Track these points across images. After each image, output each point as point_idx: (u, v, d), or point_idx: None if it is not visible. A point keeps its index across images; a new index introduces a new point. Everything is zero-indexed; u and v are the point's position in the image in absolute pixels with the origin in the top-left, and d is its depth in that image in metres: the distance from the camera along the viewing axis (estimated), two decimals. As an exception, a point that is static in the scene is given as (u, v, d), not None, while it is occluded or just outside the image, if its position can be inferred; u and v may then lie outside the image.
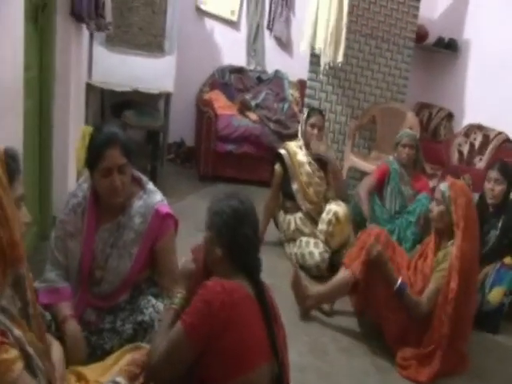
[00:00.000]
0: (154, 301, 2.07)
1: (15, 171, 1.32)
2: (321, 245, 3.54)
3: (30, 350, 1.29)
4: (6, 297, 1.28)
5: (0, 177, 1.20)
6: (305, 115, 3.77)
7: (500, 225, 3.22)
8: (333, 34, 4.41)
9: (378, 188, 3.75)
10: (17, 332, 1.26)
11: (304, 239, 3.61)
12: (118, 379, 1.60)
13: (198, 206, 4.10)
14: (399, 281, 2.59)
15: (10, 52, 2.17)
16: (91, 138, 2.08)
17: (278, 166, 3.74)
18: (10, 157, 1.31)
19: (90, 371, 1.70)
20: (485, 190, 3.28)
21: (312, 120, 3.65)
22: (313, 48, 4.61)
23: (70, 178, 3.63)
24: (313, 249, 3.53)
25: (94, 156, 1.98)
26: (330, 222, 3.53)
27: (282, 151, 3.72)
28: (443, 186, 2.61)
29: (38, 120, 3.19)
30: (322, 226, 3.58)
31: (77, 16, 3.37)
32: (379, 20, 4.83)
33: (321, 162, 3.70)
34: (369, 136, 5.00)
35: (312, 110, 3.80)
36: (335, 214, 3.52)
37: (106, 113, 4.91)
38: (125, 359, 1.72)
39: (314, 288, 3.06)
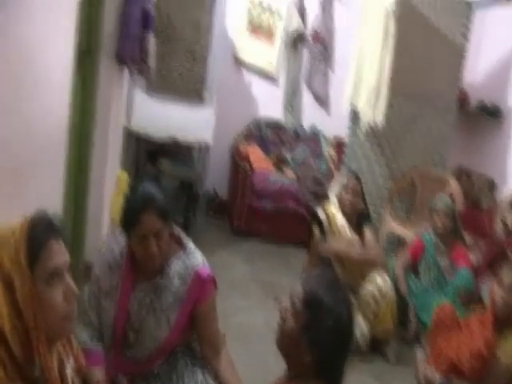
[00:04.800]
0: (200, 376, 1.91)
1: (43, 241, 1.11)
2: (359, 316, 3.30)
3: None
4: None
5: (17, 257, 1.06)
6: (341, 177, 3.69)
7: None
8: (374, 93, 4.35)
9: (414, 264, 3.69)
10: None
11: None
12: None
13: (230, 263, 3.99)
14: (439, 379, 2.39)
15: (57, 95, 2.13)
16: (126, 198, 1.96)
17: (316, 231, 3.55)
18: (38, 225, 1.13)
19: None
20: None
21: (347, 183, 3.54)
22: (354, 107, 4.53)
23: (104, 224, 3.56)
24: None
25: (128, 220, 1.86)
26: (372, 296, 3.32)
27: (321, 215, 3.56)
28: None
29: (76, 164, 3.13)
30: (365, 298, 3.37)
31: (120, 60, 3.37)
32: (421, 81, 4.75)
33: (357, 227, 3.55)
34: (408, 201, 4.83)
35: (349, 173, 3.72)
36: (378, 287, 3.32)
37: (141, 159, 4.86)
38: None
39: None
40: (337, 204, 3.60)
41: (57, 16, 1.96)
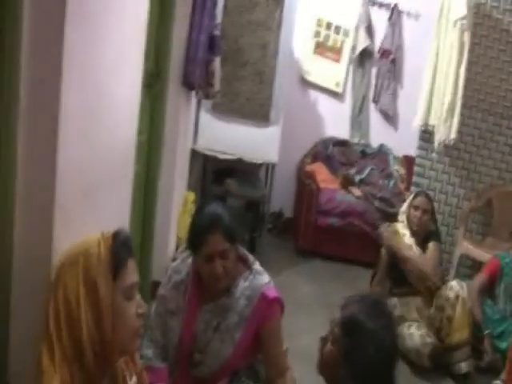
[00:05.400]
0: None
1: (124, 258, 1.20)
2: (424, 329, 3.22)
3: None
4: None
5: (104, 267, 1.13)
6: (411, 196, 3.62)
7: None
8: (448, 110, 4.20)
9: (490, 286, 3.48)
10: None
11: (407, 323, 3.29)
12: None
13: (294, 283, 3.95)
14: None
15: (126, 117, 2.19)
16: (193, 218, 1.99)
17: (383, 249, 3.51)
18: (119, 242, 1.20)
19: None
20: None
21: (416, 202, 3.50)
22: (426, 124, 4.40)
23: (171, 243, 3.62)
24: (414, 330, 3.22)
25: (195, 240, 1.88)
26: (447, 299, 3.22)
27: (385, 232, 3.54)
28: None
29: (144, 185, 3.20)
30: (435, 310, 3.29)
31: (188, 85, 3.45)
32: (499, 95, 4.54)
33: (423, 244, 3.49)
34: (483, 221, 4.61)
35: (419, 192, 3.66)
36: (456, 292, 3.21)
37: (207, 179, 4.92)
38: None
39: None
40: (405, 222, 3.54)
41: (127, 42, 2.03)
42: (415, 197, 3.56)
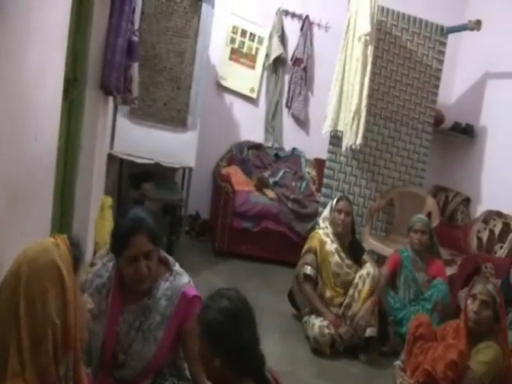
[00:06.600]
0: None
1: (79, 258, 1.35)
2: (325, 321, 3.48)
3: None
4: None
5: (67, 262, 1.26)
6: (333, 201, 3.79)
7: None
8: (354, 116, 4.47)
9: (392, 278, 3.80)
10: None
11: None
12: None
13: (213, 283, 4.02)
14: None
15: (48, 125, 2.18)
16: (116, 222, 2.06)
17: (310, 270, 3.63)
18: (73, 244, 1.33)
19: None
20: None
21: (339, 206, 3.69)
22: (335, 130, 4.66)
23: (89, 249, 3.57)
24: (315, 320, 3.50)
25: (119, 243, 1.93)
26: (360, 277, 3.53)
27: (309, 272, 3.63)
28: (492, 288, 2.51)
29: (61, 189, 3.16)
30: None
31: (105, 89, 3.43)
32: (398, 104, 4.92)
33: (350, 250, 3.71)
34: (386, 219, 4.96)
35: (340, 197, 3.85)
36: (368, 270, 3.54)
37: (124, 183, 4.90)
38: None
39: None
40: (326, 229, 3.72)
41: (48, 47, 2.02)
42: (338, 201, 3.72)
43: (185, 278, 2.07)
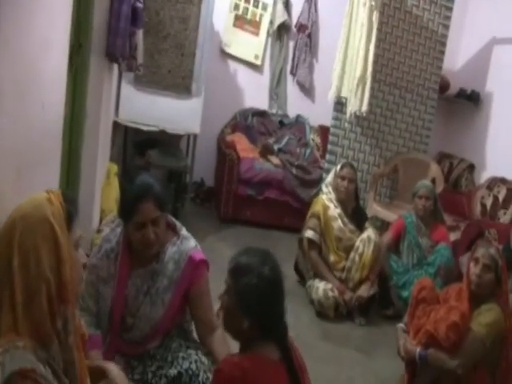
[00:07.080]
0: (194, 356, 2.01)
1: (73, 215, 1.34)
2: (329, 285, 3.55)
3: None
4: (55, 351, 1.25)
5: (59, 218, 1.26)
6: (337, 168, 3.78)
7: None
8: (359, 83, 4.45)
9: (396, 243, 3.82)
10: None
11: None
12: None
13: (218, 248, 4.09)
14: (418, 351, 2.54)
15: (54, 94, 2.19)
16: (123, 189, 2.08)
17: (312, 235, 3.67)
18: (68, 201, 1.33)
19: None
20: None
21: (343, 172, 3.67)
22: (339, 96, 4.64)
23: (95, 216, 3.62)
24: (319, 284, 3.56)
25: (126, 210, 1.95)
26: (361, 240, 3.57)
27: (311, 236, 3.66)
28: (494, 252, 2.54)
29: (67, 156, 3.20)
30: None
31: (110, 56, 3.43)
32: (404, 70, 4.88)
33: (353, 216, 3.73)
34: (391, 185, 4.98)
35: (344, 163, 3.83)
36: (369, 234, 3.59)
37: (129, 151, 4.93)
38: None
39: None
40: (330, 194, 3.73)
41: (53, 15, 2.02)
42: (341, 168, 3.71)
43: (192, 242, 2.10)
